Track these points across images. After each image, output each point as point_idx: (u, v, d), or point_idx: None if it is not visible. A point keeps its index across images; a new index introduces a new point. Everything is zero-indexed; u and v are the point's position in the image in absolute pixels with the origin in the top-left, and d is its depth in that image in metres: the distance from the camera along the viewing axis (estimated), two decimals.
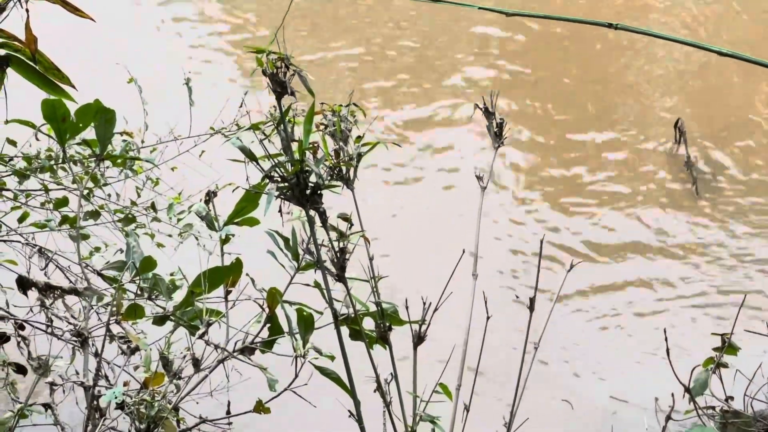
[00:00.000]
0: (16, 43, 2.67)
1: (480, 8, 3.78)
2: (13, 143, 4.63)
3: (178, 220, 4.71)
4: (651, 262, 7.18)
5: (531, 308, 3.11)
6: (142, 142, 4.89)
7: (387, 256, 6.42)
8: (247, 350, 3.01)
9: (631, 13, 9.46)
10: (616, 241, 7.33)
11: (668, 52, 9.05)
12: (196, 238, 4.73)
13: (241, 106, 5.00)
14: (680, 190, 7.81)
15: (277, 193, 2.88)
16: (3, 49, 2.60)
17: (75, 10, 2.62)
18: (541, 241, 2.81)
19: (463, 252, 3.00)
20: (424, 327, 2.99)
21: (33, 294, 3.04)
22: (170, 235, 4.89)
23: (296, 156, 2.88)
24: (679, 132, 8.03)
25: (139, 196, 5.00)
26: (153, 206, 4.91)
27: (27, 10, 2.57)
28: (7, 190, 4.52)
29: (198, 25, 9.12)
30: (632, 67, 8.94)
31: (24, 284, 2.50)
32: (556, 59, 8.81)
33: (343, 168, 2.93)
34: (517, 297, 6.41)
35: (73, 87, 2.89)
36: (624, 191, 7.74)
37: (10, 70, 2.76)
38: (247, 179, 3.35)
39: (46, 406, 3.03)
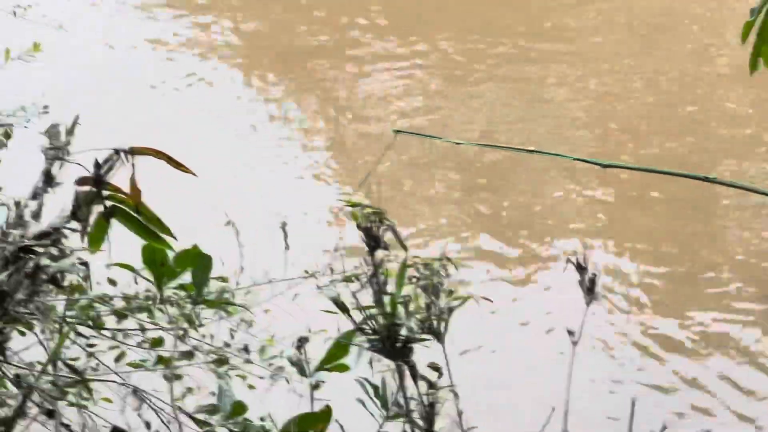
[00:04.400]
0: (120, 195, 2.77)
1: (575, 159, 3.82)
2: (113, 283, 4.74)
3: (270, 364, 4.75)
4: None
5: None
6: (237, 284, 4.97)
7: (478, 410, 6.38)
8: None
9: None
10: None
11: None
12: (287, 382, 4.76)
13: (335, 251, 5.07)
14: None
15: (367, 346, 2.92)
16: (109, 200, 2.70)
17: (179, 166, 2.72)
18: (633, 403, 2.79)
19: (553, 410, 2.99)
20: None
21: None
22: (261, 378, 4.93)
23: (388, 309, 2.92)
24: None
25: (232, 337, 5.06)
26: (246, 348, 4.96)
27: (133, 165, 2.67)
28: (106, 329, 4.61)
29: (295, 169, 9.31)
30: (727, 218, 8.88)
31: None
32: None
33: (434, 322, 2.96)
34: None
35: (174, 237, 2.97)
36: None
37: (114, 221, 2.86)
38: (338, 329, 3.38)
39: None
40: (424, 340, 2.96)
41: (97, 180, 2.46)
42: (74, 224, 2.54)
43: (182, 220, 3.42)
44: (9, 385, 3.40)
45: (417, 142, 9.33)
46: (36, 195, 2.52)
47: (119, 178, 2.87)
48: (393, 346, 2.93)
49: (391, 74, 10.62)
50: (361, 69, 10.70)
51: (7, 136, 4.93)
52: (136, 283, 4.46)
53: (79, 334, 4.56)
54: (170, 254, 3.76)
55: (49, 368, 2.85)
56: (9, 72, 5.76)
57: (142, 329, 4.66)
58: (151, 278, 3.97)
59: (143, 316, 4.65)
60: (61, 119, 3.02)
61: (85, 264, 2.47)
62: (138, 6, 11.87)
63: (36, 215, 2.51)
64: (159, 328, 4.69)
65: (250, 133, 9.78)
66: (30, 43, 5.76)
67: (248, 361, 4.95)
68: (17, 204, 4.33)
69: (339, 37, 11.25)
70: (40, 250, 2.36)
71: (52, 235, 2.37)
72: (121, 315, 4.58)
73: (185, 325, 4.64)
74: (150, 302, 4.59)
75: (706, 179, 3.45)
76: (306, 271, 5.21)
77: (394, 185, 8.87)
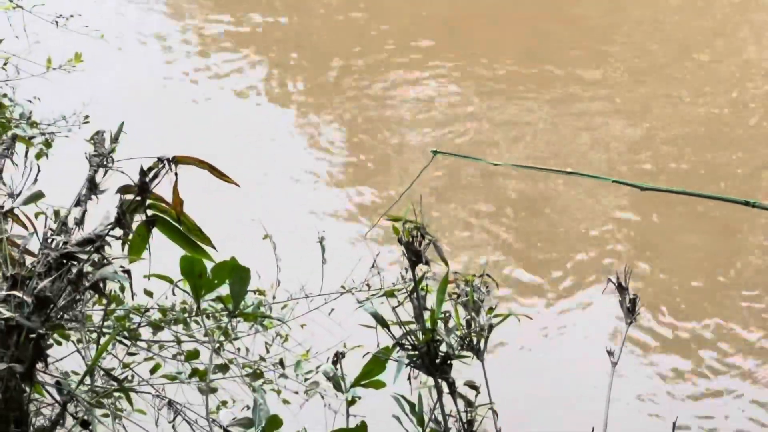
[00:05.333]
0: (163, 204, 2.76)
1: (614, 181, 3.79)
2: (149, 294, 4.74)
3: (306, 378, 4.74)
4: None
5: None
6: (274, 298, 4.96)
7: (515, 425, 6.33)
8: None
9: None
10: None
11: None
12: (322, 397, 4.74)
13: (372, 267, 5.05)
14: None
15: (407, 361, 2.89)
16: (151, 210, 2.69)
17: (222, 176, 2.71)
18: (674, 424, 2.75)
19: (593, 430, 2.96)
20: None
21: None
22: (296, 392, 4.92)
23: (428, 325, 2.89)
24: None
25: (267, 351, 5.05)
26: (281, 362, 4.96)
27: (176, 174, 2.66)
28: (142, 340, 4.62)
29: (332, 184, 9.31)
30: None
31: None
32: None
33: (474, 339, 2.93)
34: None
35: (214, 248, 2.96)
36: None
37: (155, 230, 2.85)
38: (377, 344, 3.36)
39: None
40: (464, 357, 2.93)
41: (142, 189, 2.45)
42: (116, 232, 2.53)
43: (219, 231, 3.41)
44: (45, 394, 3.40)
45: (455, 161, 9.31)
46: (80, 202, 2.52)
47: (161, 187, 2.87)
48: (433, 362, 2.90)
49: (432, 91, 10.62)
50: (402, 85, 10.70)
51: (48, 145, 4.96)
52: (173, 294, 4.46)
53: (114, 344, 4.57)
54: (208, 266, 3.74)
55: (87, 377, 2.84)
56: (50, 81, 5.79)
57: (178, 341, 4.67)
58: (189, 289, 3.95)
59: (179, 327, 4.65)
60: (103, 128, 3.02)
61: (127, 272, 2.46)
62: (176, 15, 11.91)
63: (79, 222, 2.51)
64: (194, 341, 4.69)
65: (289, 147, 9.79)
66: (71, 53, 5.79)
67: (283, 376, 4.95)
68: (56, 213, 4.34)
69: (379, 53, 11.26)
70: (83, 257, 2.35)
71: (95, 243, 2.36)
72: (156, 326, 4.58)
73: (221, 338, 4.64)
74: (186, 314, 4.59)
75: (746, 203, 3.40)
76: (342, 286, 5.20)
77: (431, 203, 8.85)
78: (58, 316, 2.33)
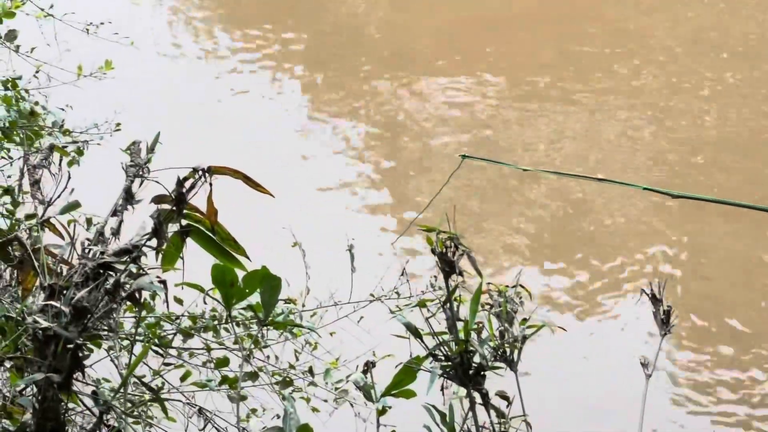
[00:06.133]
0: (197, 214, 2.76)
1: (645, 188, 3.78)
2: (179, 302, 4.75)
3: (336, 388, 4.74)
4: None
5: None
6: (303, 305, 4.96)
7: None
8: None
9: None
10: None
11: None
12: (352, 406, 4.74)
13: (402, 275, 5.05)
14: None
15: (440, 372, 2.89)
16: (185, 219, 2.69)
17: (256, 186, 2.72)
18: None
19: None
20: None
21: None
22: (326, 401, 4.91)
23: (461, 335, 2.89)
24: None
25: (297, 359, 5.06)
26: (311, 370, 4.95)
27: (210, 185, 2.67)
28: (172, 347, 4.62)
29: (361, 191, 9.31)
30: None
31: None
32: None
33: (507, 350, 2.93)
34: None
35: (248, 258, 2.97)
36: None
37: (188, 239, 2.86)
38: (410, 354, 3.35)
39: None
40: (498, 368, 2.93)
41: (179, 199, 2.46)
42: (152, 242, 2.54)
43: (249, 239, 3.41)
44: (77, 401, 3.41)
45: (483, 166, 9.28)
46: (116, 212, 2.53)
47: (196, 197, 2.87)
48: (466, 372, 2.90)
49: (458, 98, 10.61)
50: (427, 92, 10.70)
51: (80, 152, 4.98)
52: (204, 303, 4.47)
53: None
54: (239, 274, 3.75)
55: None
56: (82, 89, 5.82)
57: (208, 349, 4.67)
58: (219, 298, 3.96)
59: (209, 335, 4.66)
60: (134, 136, 3.03)
61: (163, 282, 2.46)
62: (202, 21, 11.95)
63: (116, 232, 2.52)
64: (224, 348, 4.69)
65: (318, 154, 9.80)
66: (102, 61, 5.82)
67: (312, 384, 4.95)
68: (89, 220, 4.35)
69: (403, 59, 11.27)
70: (120, 267, 2.36)
71: (132, 253, 2.37)
72: (186, 334, 4.59)
73: (251, 346, 4.65)
74: (216, 322, 4.60)
75: None
76: (372, 295, 5.19)
77: (460, 210, 8.82)
78: (96, 327, 2.34)
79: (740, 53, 11.33)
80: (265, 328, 4.54)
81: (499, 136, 10.09)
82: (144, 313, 4.50)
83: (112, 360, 3.79)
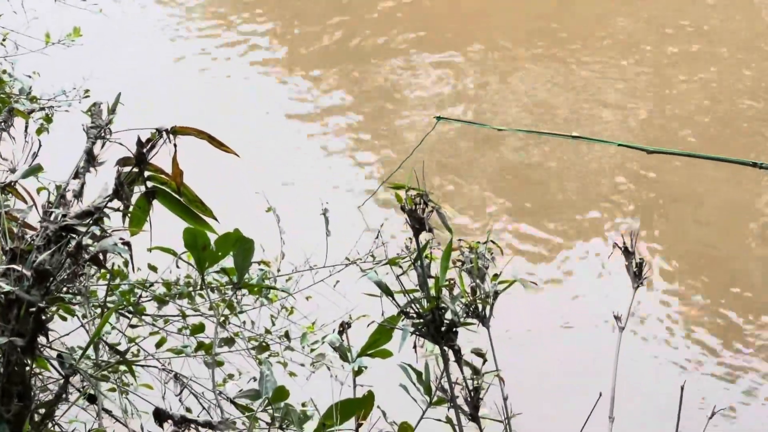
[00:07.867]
0: (162, 176, 2.73)
1: (620, 144, 3.75)
2: (153, 269, 4.73)
3: (312, 350, 4.73)
4: None
5: None
6: (278, 270, 4.94)
7: (522, 392, 6.33)
8: None
9: None
10: None
11: None
12: (329, 369, 4.73)
13: (377, 238, 5.03)
14: None
15: (412, 330, 2.87)
16: (150, 182, 2.67)
17: (221, 146, 2.69)
18: (682, 388, 2.73)
19: (600, 395, 2.94)
20: None
21: (168, 426, 3.06)
22: (303, 365, 4.90)
23: (432, 292, 2.87)
24: None
25: (273, 324, 5.04)
26: (287, 335, 4.94)
27: (175, 145, 2.64)
28: (147, 315, 4.60)
29: (337, 157, 9.28)
30: None
31: (160, 416, 2.52)
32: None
33: (479, 305, 2.91)
34: None
35: (216, 219, 2.94)
36: None
37: (155, 202, 2.83)
38: (382, 313, 3.34)
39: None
40: (469, 324, 2.91)
41: (140, 159, 2.43)
42: (116, 204, 2.51)
43: (222, 204, 3.39)
44: (51, 369, 3.39)
45: (459, 128, 9.27)
46: (78, 174, 2.50)
47: (164, 160, 2.84)
48: (438, 330, 2.88)
49: (435, 68, 10.57)
50: (405, 63, 10.65)
51: (49, 120, 4.94)
52: (177, 267, 4.44)
53: (119, 318, 4.56)
54: (212, 238, 3.72)
55: (91, 351, 2.83)
56: (50, 57, 5.77)
57: (183, 315, 4.65)
58: (193, 262, 3.94)
59: (183, 302, 4.64)
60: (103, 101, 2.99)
61: (127, 244, 2.44)
62: None
63: (78, 195, 2.49)
64: (199, 314, 4.68)
65: (292, 120, 9.76)
66: (70, 28, 5.76)
67: (289, 348, 4.94)
68: (58, 187, 4.32)
69: (383, 36, 11.20)
70: (82, 229, 2.33)
71: (94, 215, 2.34)
72: (161, 301, 4.56)
73: (226, 312, 4.63)
74: (190, 288, 4.58)
75: (754, 165, 3.37)
76: (347, 258, 5.18)
77: (435, 171, 8.82)
78: (59, 290, 2.31)
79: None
80: (240, 292, 4.52)
81: (481, 99, 10.07)
82: (118, 280, 4.48)
83: (84, 327, 3.77)
